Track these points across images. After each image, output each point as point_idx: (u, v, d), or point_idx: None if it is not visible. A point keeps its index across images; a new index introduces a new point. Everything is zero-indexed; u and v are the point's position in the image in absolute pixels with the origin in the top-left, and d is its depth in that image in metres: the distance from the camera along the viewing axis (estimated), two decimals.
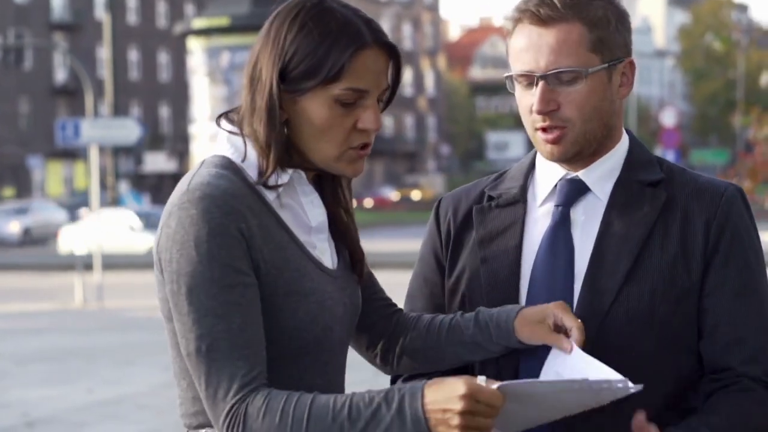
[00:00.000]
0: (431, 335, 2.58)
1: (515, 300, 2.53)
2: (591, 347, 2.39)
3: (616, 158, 2.59)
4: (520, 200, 2.62)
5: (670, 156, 51.04)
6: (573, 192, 2.57)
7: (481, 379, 2.19)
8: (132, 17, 72.63)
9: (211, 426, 2.39)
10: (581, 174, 2.57)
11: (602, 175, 2.57)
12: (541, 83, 2.48)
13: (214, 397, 2.27)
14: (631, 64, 2.57)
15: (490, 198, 2.65)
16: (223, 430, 2.26)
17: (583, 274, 2.50)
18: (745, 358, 2.46)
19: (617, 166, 2.59)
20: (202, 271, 2.28)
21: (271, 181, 2.38)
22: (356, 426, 2.19)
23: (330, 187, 2.52)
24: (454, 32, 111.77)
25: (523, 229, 2.59)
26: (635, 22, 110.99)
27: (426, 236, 2.73)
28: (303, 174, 2.43)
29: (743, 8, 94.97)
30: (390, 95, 2.47)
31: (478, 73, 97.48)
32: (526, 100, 2.52)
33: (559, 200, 2.57)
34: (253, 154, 2.39)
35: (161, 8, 74.87)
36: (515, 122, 76.35)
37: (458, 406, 2.13)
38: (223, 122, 2.46)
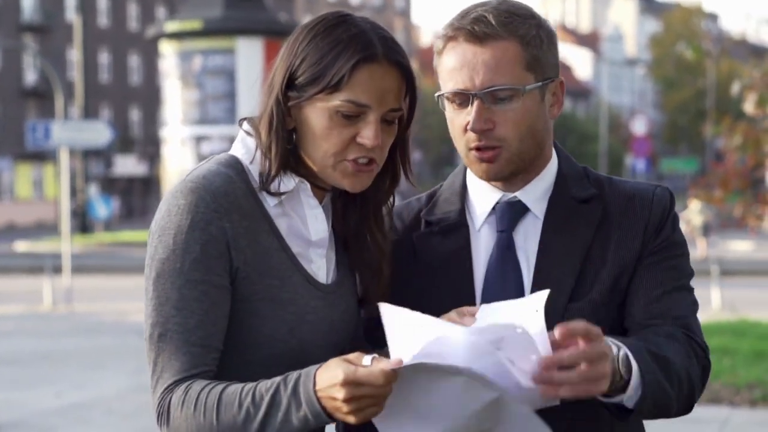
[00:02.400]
0: None
1: None
2: None
3: (549, 175, 2.59)
4: (460, 225, 2.60)
5: (640, 164, 51.37)
6: (514, 215, 2.56)
7: (366, 359, 2.13)
8: (103, 20, 72.33)
9: None
10: (519, 194, 2.57)
11: (539, 195, 2.57)
12: (476, 102, 2.46)
13: (154, 386, 2.32)
14: (562, 84, 2.57)
15: (429, 224, 2.63)
16: (156, 421, 2.31)
17: None
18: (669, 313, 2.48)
19: (551, 184, 2.59)
20: (174, 260, 2.30)
21: (273, 187, 2.39)
22: (260, 410, 2.20)
23: (371, 212, 2.53)
24: (425, 38, 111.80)
25: (471, 254, 2.57)
26: (607, 30, 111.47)
27: None
28: (308, 185, 2.43)
29: (714, 17, 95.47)
30: (407, 120, 2.47)
31: None
32: (460, 120, 2.50)
33: (501, 225, 2.56)
34: (259, 157, 2.41)
35: (132, 11, 74.60)
36: None
37: (341, 394, 2.11)
38: (245, 124, 2.48)
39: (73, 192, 43.64)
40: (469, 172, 2.64)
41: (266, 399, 2.19)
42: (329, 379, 2.13)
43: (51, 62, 49.67)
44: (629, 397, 2.28)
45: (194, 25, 18.43)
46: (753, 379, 10.62)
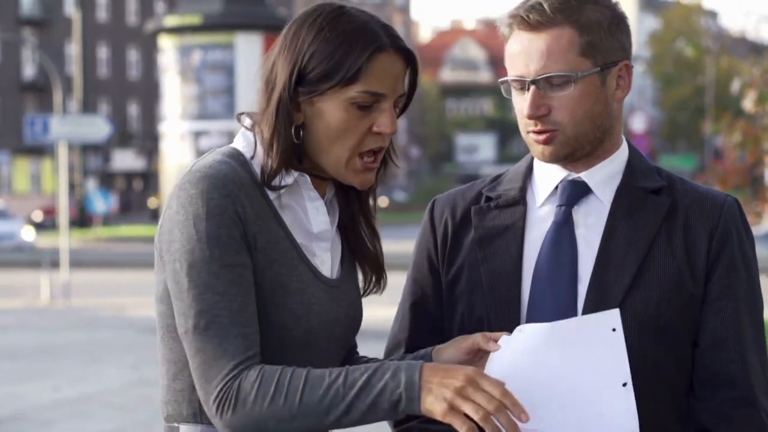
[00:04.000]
0: None
1: (517, 298, 2.53)
2: None
3: (618, 163, 2.60)
4: (519, 201, 2.62)
5: None
6: (575, 193, 2.57)
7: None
8: (102, 14, 72.32)
9: (183, 420, 2.41)
10: (584, 176, 2.57)
11: (604, 179, 2.58)
12: (532, 88, 2.49)
13: (207, 374, 2.28)
14: (627, 67, 2.57)
15: (489, 199, 2.65)
16: (213, 409, 2.26)
17: (588, 277, 2.50)
18: (742, 371, 2.48)
19: (619, 171, 2.59)
20: (202, 248, 2.29)
21: (274, 183, 2.40)
22: (350, 391, 2.20)
23: (356, 202, 2.55)
24: (425, 34, 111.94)
25: (524, 228, 2.59)
26: None
27: (419, 239, 2.71)
28: (308, 178, 2.44)
29: (713, 15, 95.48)
30: (406, 101, 2.49)
31: (448, 75, 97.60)
32: (520, 104, 2.53)
33: (561, 200, 2.57)
34: (261, 153, 2.41)
35: (131, 6, 74.58)
36: (485, 125, 76.49)
37: (458, 381, 2.15)
38: (244, 118, 2.49)
39: (71, 186, 43.63)
40: None
41: (360, 381, 2.20)
42: (454, 368, 2.18)
43: (50, 56, 49.64)
44: None
45: (193, 19, 18.39)
46: None
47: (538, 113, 2.49)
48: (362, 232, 2.57)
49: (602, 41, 2.51)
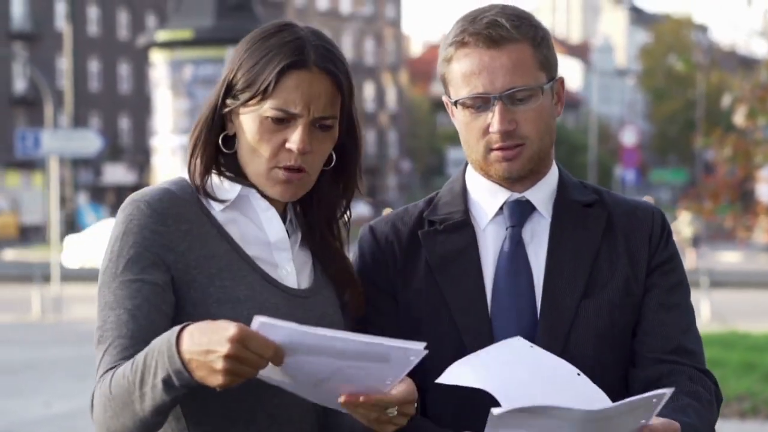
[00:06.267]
0: None
1: (486, 323, 2.56)
2: None
3: (553, 178, 2.67)
4: (466, 224, 2.64)
5: (630, 174, 51.43)
6: (523, 212, 2.63)
7: (258, 321, 2.05)
8: (93, 28, 72.25)
9: None
10: (527, 195, 2.63)
11: (546, 195, 2.64)
12: (498, 103, 2.52)
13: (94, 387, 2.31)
14: (562, 83, 2.66)
15: (432, 223, 2.67)
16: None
17: (541, 293, 2.56)
18: (695, 341, 2.60)
19: (554, 187, 2.66)
20: (109, 266, 2.36)
21: (209, 188, 2.44)
22: (137, 376, 2.18)
23: (324, 219, 2.57)
24: (416, 48, 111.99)
25: (478, 252, 2.62)
26: (597, 41, 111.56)
27: (364, 264, 2.68)
28: (255, 190, 2.47)
29: (703, 29, 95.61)
30: (348, 126, 2.50)
31: (439, 89, 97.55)
32: (478, 123, 2.55)
33: (511, 221, 2.62)
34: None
35: (122, 19, 74.52)
36: None
37: (225, 349, 2.05)
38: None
39: (62, 200, 43.59)
40: (469, 177, 2.70)
41: (140, 364, 2.18)
42: (216, 332, 2.07)
43: (40, 70, 49.59)
44: None
45: (185, 34, 18.38)
46: (743, 391, 10.63)
47: (509, 128, 2.52)
48: (330, 247, 2.58)
49: (550, 56, 2.59)
